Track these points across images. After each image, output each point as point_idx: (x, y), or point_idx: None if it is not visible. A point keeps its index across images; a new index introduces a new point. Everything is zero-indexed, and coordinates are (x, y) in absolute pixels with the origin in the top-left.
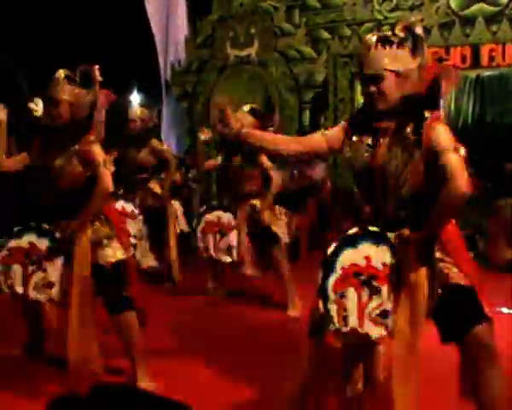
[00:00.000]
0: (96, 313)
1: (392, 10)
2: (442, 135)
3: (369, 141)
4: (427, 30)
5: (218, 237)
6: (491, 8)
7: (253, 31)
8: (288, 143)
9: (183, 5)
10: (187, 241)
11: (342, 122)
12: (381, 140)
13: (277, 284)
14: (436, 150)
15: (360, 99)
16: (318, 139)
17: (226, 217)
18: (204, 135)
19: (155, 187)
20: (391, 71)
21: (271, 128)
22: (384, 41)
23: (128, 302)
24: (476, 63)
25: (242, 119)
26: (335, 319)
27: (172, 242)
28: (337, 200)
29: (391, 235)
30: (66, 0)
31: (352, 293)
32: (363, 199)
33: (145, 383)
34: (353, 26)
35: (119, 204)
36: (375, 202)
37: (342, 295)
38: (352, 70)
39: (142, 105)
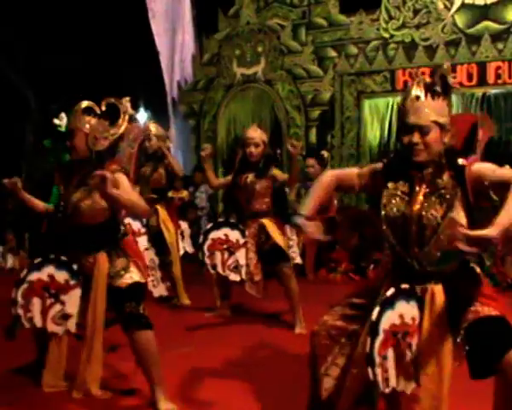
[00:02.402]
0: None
1: (398, 28)
2: (484, 165)
3: (405, 188)
4: (433, 48)
5: (225, 254)
6: (497, 26)
7: (259, 49)
8: (330, 188)
9: (190, 23)
10: (192, 261)
11: (376, 165)
12: (417, 188)
13: (284, 302)
14: (485, 178)
15: (367, 118)
16: (352, 176)
17: (234, 235)
18: (204, 152)
19: (161, 210)
20: (437, 124)
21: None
22: (433, 92)
23: (145, 321)
24: (483, 81)
25: (252, 133)
26: (380, 383)
27: (177, 264)
28: (344, 219)
29: (418, 288)
30: (72, 19)
31: (390, 353)
32: (391, 247)
33: (165, 405)
34: (360, 44)
35: (126, 221)
36: (406, 252)
37: (384, 358)
38: (359, 88)
39: (155, 122)
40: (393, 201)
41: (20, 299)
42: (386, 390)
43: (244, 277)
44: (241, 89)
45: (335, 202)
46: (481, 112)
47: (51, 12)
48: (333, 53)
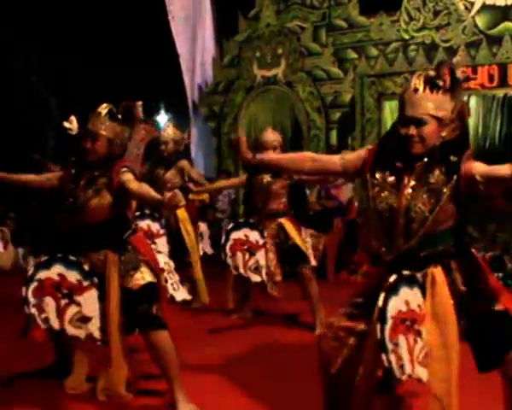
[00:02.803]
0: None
1: (418, 30)
2: (477, 163)
3: (393, 180)
4: (453, 49)
5: (246, 255)
6: None
7: (279, 51)
8: (303, 162)
9: (210, 26)
10: (211, 263)
11: (365, 150)
12: (406, 180)
13: (305, 303)
14: (478, 174)
15: (388, 120)
16: (334, 162)
17: (254, 235)
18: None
19: (180, 211)
20: (435, 117)
21: None
22: (432, 85)
23: (159, 322)
24: (504, 82)
25: (269, 136)
26: (396, 370)
27: (198, 263)
28: (364, 220)
29: (418, 274)
30: (93, 23)
31: (402, 340)
32: (378, 236)
33: (185, 406)
34: (380, 45)
35: (146, 223)
36: (394, 242)
37: (396, 344)
38: (380, 90)
39: (175, 125)
40: (382, 194)
41: (31, 298)
42: (403, 378)
43: (264, 278)
44: (261, 91)
45: (356, 203)
46: (501, 113)
47: (71, 15)
48: (353, 55)
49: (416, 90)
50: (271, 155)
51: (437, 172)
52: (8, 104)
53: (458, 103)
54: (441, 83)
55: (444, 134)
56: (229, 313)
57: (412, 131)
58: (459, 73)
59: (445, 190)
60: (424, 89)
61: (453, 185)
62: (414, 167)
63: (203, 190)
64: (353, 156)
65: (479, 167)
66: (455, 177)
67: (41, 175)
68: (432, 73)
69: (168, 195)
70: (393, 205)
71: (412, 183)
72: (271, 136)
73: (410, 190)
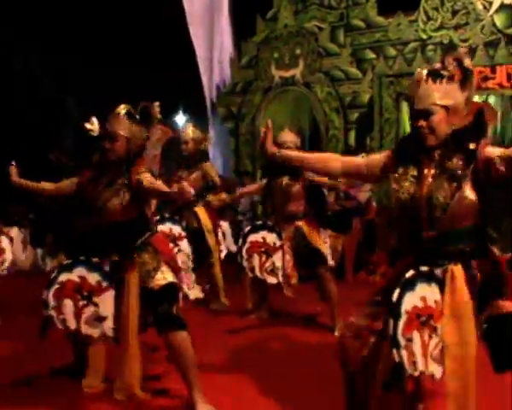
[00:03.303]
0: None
1: (436, 29)
2: (494, 148)
3: (415, 172)
4: (472, 49)
5: (263, 257)
6: None
7: (297, 51)
8: (327, 161)
9: (228, 27)
10: (235, 261)
11: (387, 151)
12: (426, 171)
13: (322, 305)
14: (496, 157)
15: (406, 120)
16: (359, 163)
17: (271, 237)
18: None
19: (201, 212)
20: (441, 106)
21: None
22: (435, 75)
23: (179, 322)
24: None
25: (286, 137)
26: (407, 366)
27: (217, 265)
28: (383, 220)
29: (437, 271)
30: (111, 25)
31: (416, 336)
32: (401, 231)
33: (203, 407)
34: (398, 45)
35: (167, 226)
36: (416, 234)
37: (409, 340)
38: (398, 90)
39: (195, 126)
40: (404, 185)
41: (51, 300)
42: (415, 374)
43: (280, 279)
44: (279, 92)
45: (374, 203)
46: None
47: (90, 15)
48: (371, 55)
49: (420, 82)
50: (297, 153)
51: (455, 159)
52: (24, 105)
53: (471, 93)
54: (446, 73)
55: (455, 121)
56: (247, 314)
57: (421, 123)
58: (467, 62)
59: (464, 176)
60: (427, 80)
61: (472, 171)
62: (433, 157)
63: (222, 201)
64: (377, 157)
65: (496, 151)
66: (473, 162)
67: (57, 184)
68: (437, 65)
69: (176, 187)
70: (415, 195)
71: (432, 172)
72: (289, 136)
73: (430, 179)
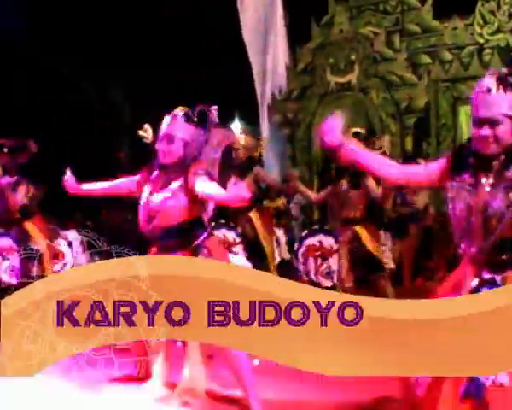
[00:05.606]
0: None
1: (493, 33)
2: None
3: (471, 180)
4: None
5: (319, 261)
6: None
7: (353, 57)
8: (390, 166)
9: (282, 33)
10: (289, 268)
11: (444, 158)
12: (483, 180)
13: None
14: None
15: (463, 125)
16: (418, 171)
17: (328, 241)
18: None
19: (255, 216)
20: (509, 117)
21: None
22: (506, 84)
23: None
24: None
25: None
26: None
27: (273, 273)
28: (442, 227)
29: (497, 277)
30: (167, 35)
31: None
32: (460, 238)
33: None
34: (454, 50)
35: (221, 232)
36: (473, 241)
37: None
38: (454, 95)
39: (247, 133)
40: (460, 194)
41: None
42: (487, 383)
43: (336, 283)
44: (335, 97)
45: (431, 210)
46: None
47: (143, 23)
48: (427, 59)
49: (489, 90)
50: (361, 150)
51: None
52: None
53: None
54: None
55: None
56: None
57: (486, 131)
58: None
59: None
60: (498, 89)
61: None
62: (491, 166)
63: (279, 186)
64: (436, 164)
65: None
66: None
67: (118, 183)
68: (504, 70)
69: (232, 189)
70: (471, 203)
71: (490, 181)
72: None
73: (487, 189)
